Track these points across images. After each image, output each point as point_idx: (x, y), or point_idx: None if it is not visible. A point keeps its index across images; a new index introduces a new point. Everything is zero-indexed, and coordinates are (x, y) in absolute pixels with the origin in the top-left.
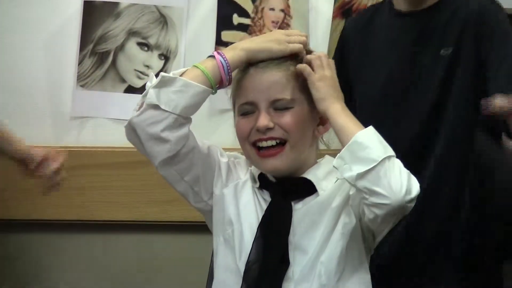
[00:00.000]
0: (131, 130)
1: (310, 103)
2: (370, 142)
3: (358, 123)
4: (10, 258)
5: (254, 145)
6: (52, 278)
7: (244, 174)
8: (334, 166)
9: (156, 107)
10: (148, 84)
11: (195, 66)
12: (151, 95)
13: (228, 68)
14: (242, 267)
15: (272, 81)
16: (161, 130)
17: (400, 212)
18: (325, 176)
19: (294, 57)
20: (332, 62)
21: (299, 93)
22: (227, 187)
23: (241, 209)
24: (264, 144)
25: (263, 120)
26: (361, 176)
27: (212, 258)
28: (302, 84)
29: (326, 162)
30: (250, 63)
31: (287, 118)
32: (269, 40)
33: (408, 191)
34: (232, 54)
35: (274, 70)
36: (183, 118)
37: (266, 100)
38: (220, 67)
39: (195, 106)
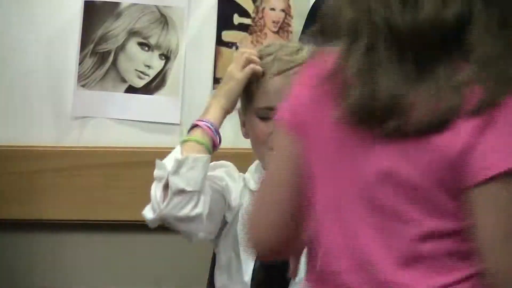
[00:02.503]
0: (159, 221)
1: None
2: None
3: None
4: (9, 258)
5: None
6: (51, 278)
7: (236, 182)
8: None
9: (181, 192)
10: (158, 173)
11: (186, 140)
12: (174, 182)
13: (216, 129)
14: (248, 280)
15: None
16: (189, 210)
17: None
18: None
19: None
20: None
21: None
22: (234, 207)
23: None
24: None
25: None
26: None
27: (212, 271)
28: None
29: None
30: (271, 66)
31: None
32: (228, 81)
33: None
34: (212, 116)
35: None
36: (201, 191)
37: None
38: (208, 131)
39: (205, 176)
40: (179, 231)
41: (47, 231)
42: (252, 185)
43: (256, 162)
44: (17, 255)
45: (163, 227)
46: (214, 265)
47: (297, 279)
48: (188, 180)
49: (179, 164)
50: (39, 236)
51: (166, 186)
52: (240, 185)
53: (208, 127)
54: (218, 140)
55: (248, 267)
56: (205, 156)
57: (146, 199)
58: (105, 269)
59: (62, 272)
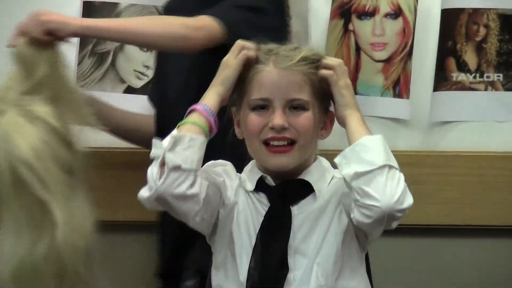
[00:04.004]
0: (155, 200)
1: (321, 108)
2: (374, 147)
3: (370, 132)
4: None
5: (264, 142)
6: None
7: (232, 180)
8: (335, 162)
9: (177, 168)
10: (155, 151)
11: (182, 123)
12: (171, 158)
13: (212, 112)
14: (244, 281)
15: (292, 81)
16: (186, 188)
17: (388, 218)
18: (320, 177)
19: (312, 62)
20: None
21: (313, 97)
22: (228, 204)
23: (239, 219)
24: (276, 143)
25: (280, 119)
26: (358, 176)
27: (210, 270)
28: (316, 89)
29: (320, 163)
30: (267, 59)
31: (302, 120)
32: (222, 70)
33: (400, 201)
34: (207, 101)
35: (294, 71)
36: (197, 172)
37: (283, 99)
38: (204, 113)
39: (202, 158)
40: (175, 212)
41: None
42: (248, 185)
43: (252, 162)
44: None
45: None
46: None
47: (291, 279)
48: (184, 157)
49: (176, 141)
50: None
51: (163, 164)
52: (235, 183)
53: (204, 110)
54: (214, 123)
55: (243, 267)
56: (201, 137)
57: None
58: (104, 269)
59: None
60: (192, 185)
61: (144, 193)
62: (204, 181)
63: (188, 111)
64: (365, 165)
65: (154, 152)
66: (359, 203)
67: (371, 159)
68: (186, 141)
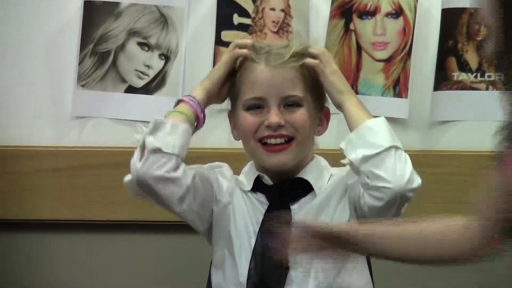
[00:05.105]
0: (137, 183)
1: (315, 104)
2: (379, 129)
3: (370, 114)
4: (10, 258)
5: (260, 141)
6: (51, 279)
7: (228, 181)
8: (340, 148)
9: (157, 151)
10: (137, 136)
11: (168, 113)
12: (151, 141)
13: (198, 102)
14: (244, 281)
15: (284, 78)
16: (166, 171)
17: (400, 199)
18: (318, 175)
19: (302, 55)
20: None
21: (307, 93)
22: (221, 202)
23: (237, 220)
24: (273, 141)
25: (275, 117)
26: (366, 159)
27: (210, 269)
28: (309, 84)
29: (317, 162)
30: (259, 58)
31: (298, 116)
32: (216, 69)
33: (410, 181)
34: (195, 93)
35: (286, 68)
36: (180, 158)
37: (277, 97)
38: (191, 103)
39: (185, 145)
40: (157, 197)
41: (46, 231)
42: (245, 185)
43: (249, 163)
44: (16, 255)
45: (163, 227)
46: None
47: (292, 277)
48: (165, 142)
49: (156, 126)
50: (38, 236)
51: (144, 149)
52: (231, 184)
53: (191, 100)
54: (202, 115)
55: (242, 267)
56: (184, 124)
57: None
58: (104, 270)
59: (61, 273)
60: (174, 169)
61: (126, 177)
62: (190, 170)
63: (175, 102)
64: (373, 148)
65: (136, 137)
66: (369, 187)
67: (378, 141)
68: (168, 127)
